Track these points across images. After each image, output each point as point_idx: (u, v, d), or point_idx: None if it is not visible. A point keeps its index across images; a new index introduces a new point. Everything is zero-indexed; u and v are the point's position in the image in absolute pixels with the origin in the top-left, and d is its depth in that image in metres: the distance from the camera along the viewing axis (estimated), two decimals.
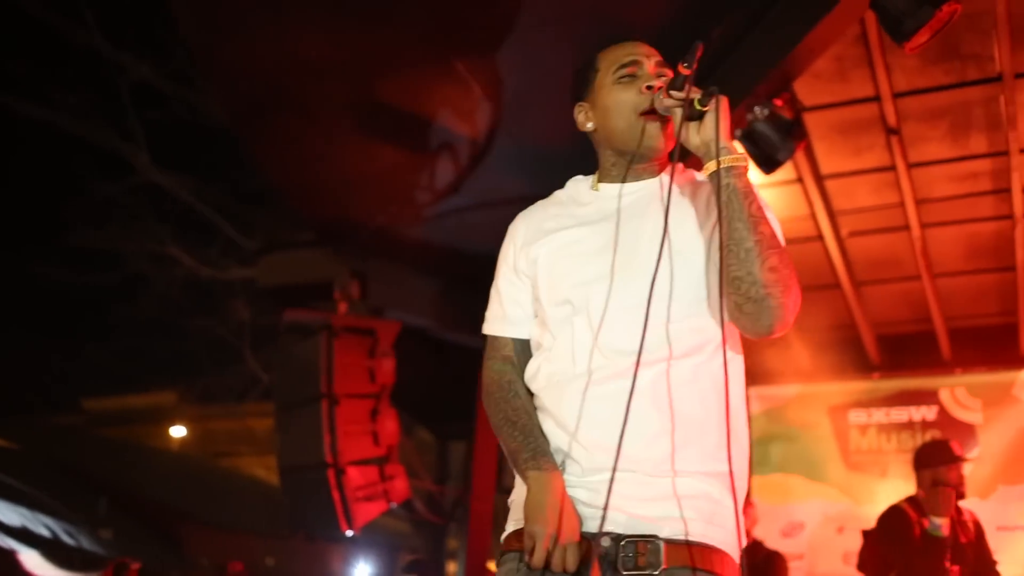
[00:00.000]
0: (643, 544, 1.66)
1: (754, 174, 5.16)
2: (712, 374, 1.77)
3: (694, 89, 1.78)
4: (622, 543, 1.67)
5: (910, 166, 6.04)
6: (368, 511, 6.84)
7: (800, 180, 6.21)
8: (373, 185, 6.33)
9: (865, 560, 4.92)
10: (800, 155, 5.90)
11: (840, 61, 5.31)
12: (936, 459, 4.87)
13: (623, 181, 1.92)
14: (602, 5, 4.86)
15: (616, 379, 1.74)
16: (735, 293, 1.70)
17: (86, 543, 14.90)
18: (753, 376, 8.28)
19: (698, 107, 1.77)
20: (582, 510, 1.72)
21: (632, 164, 1.92)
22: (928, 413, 8.12)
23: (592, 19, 4.95)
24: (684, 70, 1.76)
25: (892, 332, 8.17)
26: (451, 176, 5.88)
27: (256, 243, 8.45)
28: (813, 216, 6.55)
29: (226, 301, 10.84)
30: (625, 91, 1.90)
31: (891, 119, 5.56)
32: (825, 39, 4.38)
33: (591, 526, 1.69)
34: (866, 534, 4.95)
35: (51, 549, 14.03)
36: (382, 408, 6.92)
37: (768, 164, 4.69)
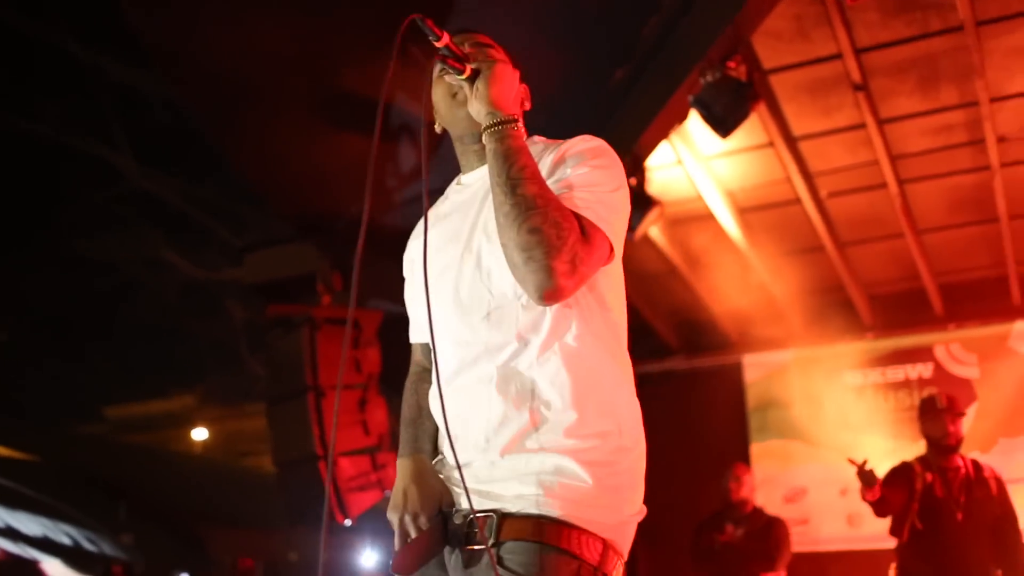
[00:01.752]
0: (482, 519, 1.67)
1: (716, 139, 5.14)
2: (561, 349, 1.72)
3: (458, 63, 1.77)
4: (468, 519, 1.70)
5: (881, 122, 5.98)
6: (362, 500, 6.86)
7: (772, 144, 6.16)
8: (346, 176, 6.32)
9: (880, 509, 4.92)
10: (769, 118, 5.87)
11: (799, 20, 5.26)
12: (922, 413, 4.92)
13: (472, 169, 1.94)
14: None
15: (463, 372, 1.79)
16: (507, 261, 1.67)
17: (108, 549, 15.07)
18: (747, 344, 8.30)
19: (467, 77, 1.78)
20: (456, 492, 1.77)
21: (470, 149, 1.93)
22: (924, 370, 8.07)
23: None
24: (439, 45, 1.74)
25: (883, 292, 8.12)
26: (416, 160, 5.88)
27: (245, 242, 8.47)
28: (789, 179, 6.50)
29: (224, 302, 10.87)
30: (441, 81, 1.89)
31: (855, 75, 5.50)
32: None
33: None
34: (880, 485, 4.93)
35: (72, 557, 14.21)
36: (370, 397, 6.94)
37: (722, 127, 4.66)
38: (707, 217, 6.88)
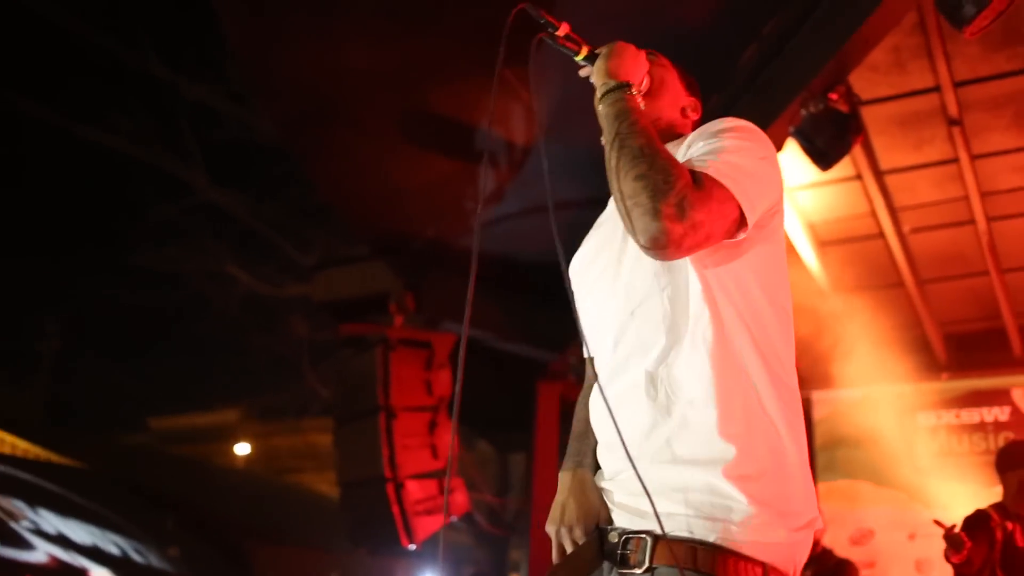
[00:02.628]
0: (636, 541, 1.61)
1: (809, 171, 5.05)
2: (707, 346, 1.64)
3: (579, 48, 1.85)
4: (623, 539, 1.63)
5: (973, 158, 5.86)
6: (428, 525, 6.80)
7: (859, 177, 6.07)
8: (424, 196, 6.31)
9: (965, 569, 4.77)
10: (859, 151, 5.76)
11: (897, 52, 5.18)
12: (1020, 459, 4.73)
13: None
14: (652, 3, 4.80)
15: (617, 377, 1.73)
16: (620, 216, 1.62)
17: (155, 561, 15.12)
18: (817, 379, 8.15)
19: (583, 61, 1.86)
20: (612, 508, 1.72)
21: None
22: (1000, 414, 7.88)
23: (641, 17, 4.88)
24: (549, 38, 1.82)
25: (960, 331, 7.95)
26: (501, 184, 5.85)
27: (313, 259, 8.51)
28: (874, 213, 6.39)
29: (284, 318, 10.92)
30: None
31: (952, 109, 5.39)
32: (880, 29, 4.25)
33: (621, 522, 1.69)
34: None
35: (121, 567, 14.27)
36: (440, 420, 6.89)
37: (823, 160, 4.57)
38: (787, 249, 6.78)
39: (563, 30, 1.83)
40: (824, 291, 7.19)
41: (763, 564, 1.56)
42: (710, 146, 1.69)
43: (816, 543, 6.18)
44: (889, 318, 7.62)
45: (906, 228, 6.60)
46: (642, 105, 1.80)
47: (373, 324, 6.84)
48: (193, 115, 8.56)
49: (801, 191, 6.30)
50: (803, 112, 4.52)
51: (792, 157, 5.07)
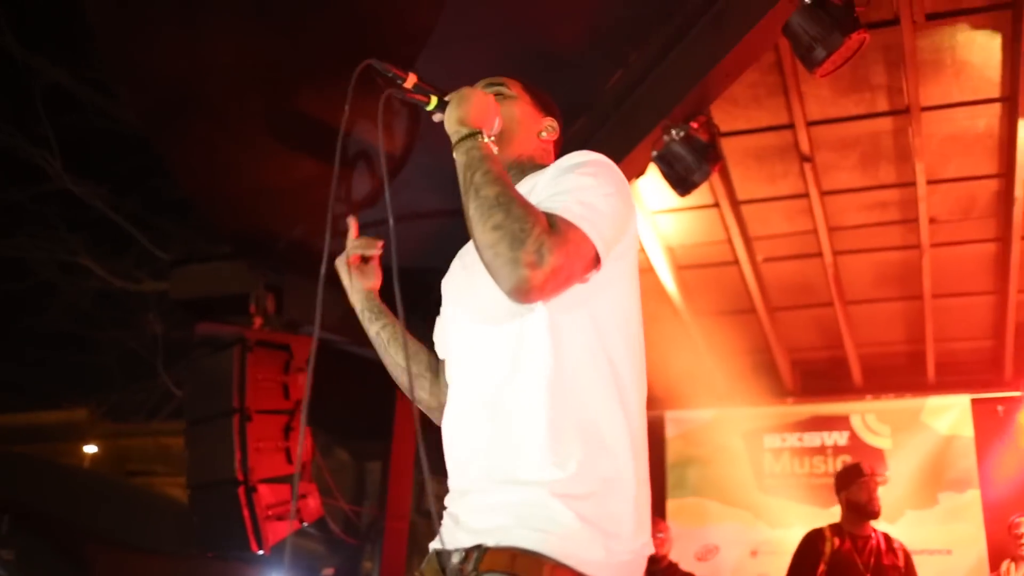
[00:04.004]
0: (470, 553, 1.65)
1: (670, 196, 5.22)
2: (547, 374, 1.69)
3: (428, 98, 1.90)
4: (462, 556, 1.67)
5: (823, 194, 6.17)
6: (279, 530, 6.68)
7: (717, 205, 6.30)
8: (289, 197, 6.23)
9: None
10: (717, 180, 5.99)
11: (755, 88, 5.42)
12: (847, 479, 5.03)
13: None
14: (522, 26, 4.87)
15: (460, 397, 1.83)
16: (482, 265, 1.65)
17: None
18: (669, 400, 8.38)
19: (434, 110, 1.91)
20: (450, 527, 1.77)
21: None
22: (840, 438, 8.26)
23: (513, 38, 4.96)
24: (407, 86, 1.88)
25: (806, 357, 8.32)
26: (368, 190, 5.82)
27: (171, 255, 8.26)
28: (730, 241, 6.64)
29: (139, 314, 10.56)
30: None
31: (804, 147, 5.67)
32: (740, 63, 4.44)
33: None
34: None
35: None
36: (296, 425, 6.79)
37: (683, 186, 4.73)
38: (645, 270, 6.97)
39: (410, 81, 1.87)
40: (680, 313, 7.42)
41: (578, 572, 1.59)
42: (563, 185, 1.73)
43: (663, 558, 6.36)
44: (741, 343, 7.92)
45: (759, 257, 6.88)
46: (495, 149, 1.82)
47: (231, 324, 6.70)
48: (50, 99, 8.19)
49: (661, 215, 6.50)
50: (665, 138, 4.67)
51: (654, 181, 5.24)
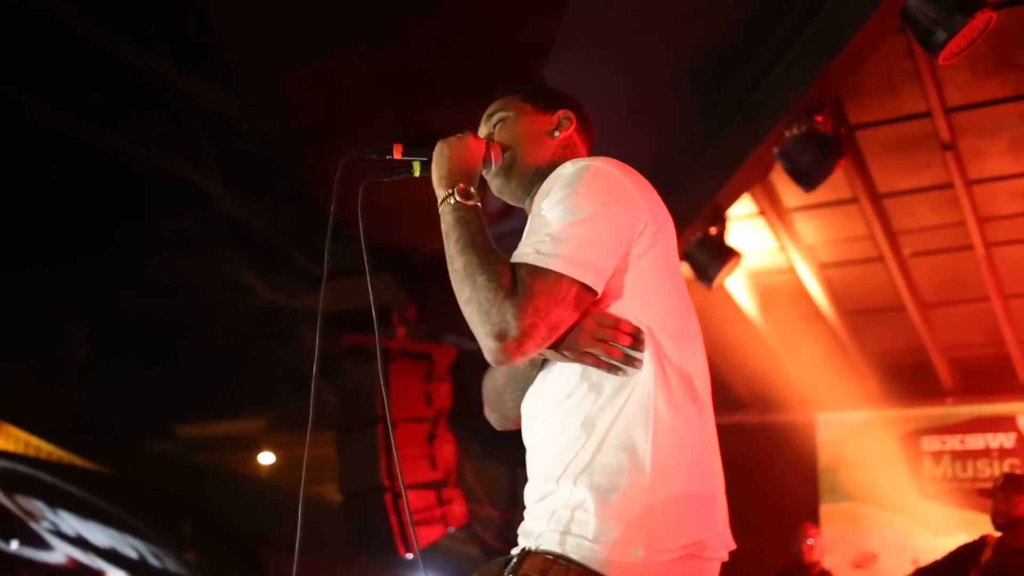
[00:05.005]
0: (518, 555, 1.69)
1: (796, 193, 5.10)
2: (559, 382, 1.75)
3: (410, 166, 1.98)
4: (513, 558, 1.72)
5: (970, 183, 5.88)
6: (425, 535, 6.87)
7: (856, 200, 6.09)
8: (426, 210, 6.41)
9: None
10: (855, 173, 5.80)
11: (888, 77, 5.22)
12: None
13: None
14: (640, 27, 4.88)
15: (537, 407, 1.84)
16: None
17: (171, 565, 15.30)
18: (822, 401, 8.14)
19: (418, 172, 1.97)
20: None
21: None
22: (1006, 440, 7.82)
23: (632, 40, 4.97)
24: (397, 157, 1.97)
25: (965, 356, 7.91)
26: (501, 201, 5.94)
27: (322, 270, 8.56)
28: (872, 236, 6.41)
29: (300, 328, 11.06)
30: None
31: (944, 135, 5.42)
32: (860, 53, 4.31)
33: None
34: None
35: (138, 570, 14.46)
36: (439, 432, 6.97)
37: (807, 181, 4.62)
38: (786, 271, 6.81)
39: (397, 152, 1.95)
40: (824, 313, 7.20)
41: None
42: (537, 222, 1.71)
43: (814, 564, 6.20)
44: (892, 341, 7.62)
45: (906, 251, 6.61)
46: (495, 184, 1.96)
47: (373, 335, 6.94)
48: (210, 124, 8.71)
49: (799, 212, 6.34)
50: (787, 134, 4.57)
51: (786, 179, 5.13)
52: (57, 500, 14.78)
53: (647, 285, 1.74)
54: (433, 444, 6.94)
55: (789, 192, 5.98)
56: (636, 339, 1.68)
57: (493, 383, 2.00)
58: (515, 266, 1.63)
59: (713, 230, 5.51)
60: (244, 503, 18.80)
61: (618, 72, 5.26)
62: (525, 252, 1.65)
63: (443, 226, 1.75)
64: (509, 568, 1.68)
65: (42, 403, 16.91)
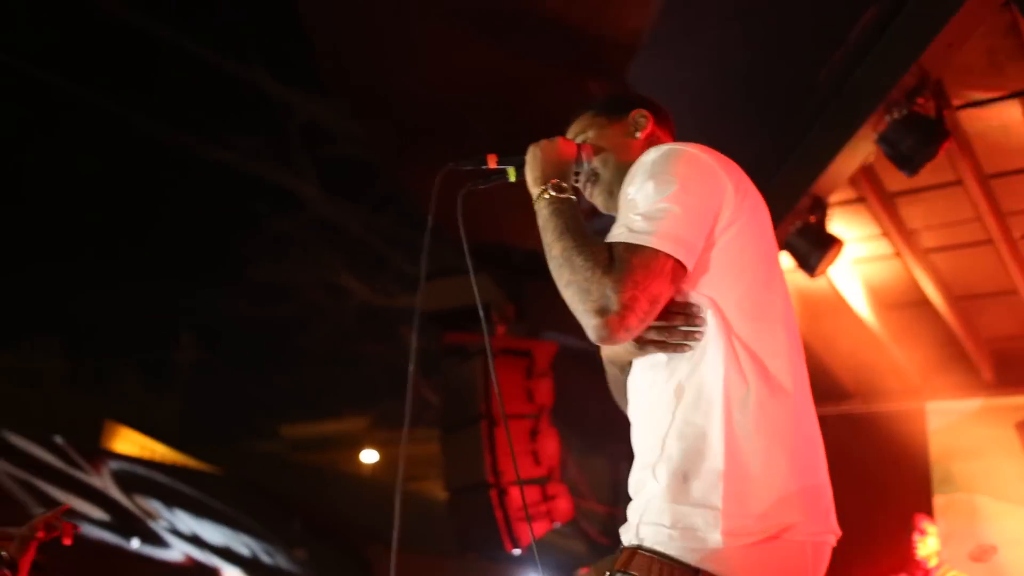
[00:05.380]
0: (618, 551, 1.75)
1: (898, 177, 4.99)
2: (657, 382, 1.78)
3: (504, 172, 2.08)
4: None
5: None
6: (532, 531, 6.92)
7: (960, 182, 5.91)
8: (522, 209, 6.45)
9: None
10: (959, 155, 5.63)
11: (993, 54, 5.05)
12: None
13: None
14: (732, 14, 4.84)
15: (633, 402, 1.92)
16: None
17: (283, 562, 15.70)
18: (932, 390, 7.93)
19: (514, 177, 2.06)
20: None
21: None
22: None
23: (723, 29, 4.94)
24: (492, 167, 2.08)
25: None
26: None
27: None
28: (979, 219, 6.21)
29: (399, 328, 11.25)
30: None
31: None
32: (962, 32, 4.19)
33: None
34: None
35: (251, 567, 14.88)
36: (542, 428, 7.02)
37: (908, 165, 4.51)
38: (890, 256, 6.66)
39: (492, 162, 2.05)
40: (932, 299, 7.01)
41: (696, 570, 1.60)
42: (625, 206, 1.76)
43: (931, 557, 6.07)
44: (1005, 326, 7.38)
45: (1016, 233, 6.38)
46: (599, 200, 2.03)
47: (475, 333, 7.03)
48: (306, 132, 8.92)
49: (902, 196, 6.19)
50: (887, 118, 4.47)
51: (886, 164, 5.03)
52: (173, 500, 15.31)
53: (726, 261, 1.76)
54: (536, 440, 7.00)
55: (891, 176, 5.84)
56: (689, 315, 1.73)
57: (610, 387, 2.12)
58: (611, 246, 1.68)
59: (813, 219, 5.43)
60: (349, 501, 19.19)
61: (710, 62, 5.22)
62: (619, 232, 1.70)
63: (539, 220, 1.83)
64: (612, 563, 1.73)
65: (154, 407, 17.54)
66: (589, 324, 1.64)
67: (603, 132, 2.08)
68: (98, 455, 15.15)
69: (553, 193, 1.83)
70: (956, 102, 5.26)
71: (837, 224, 5.89)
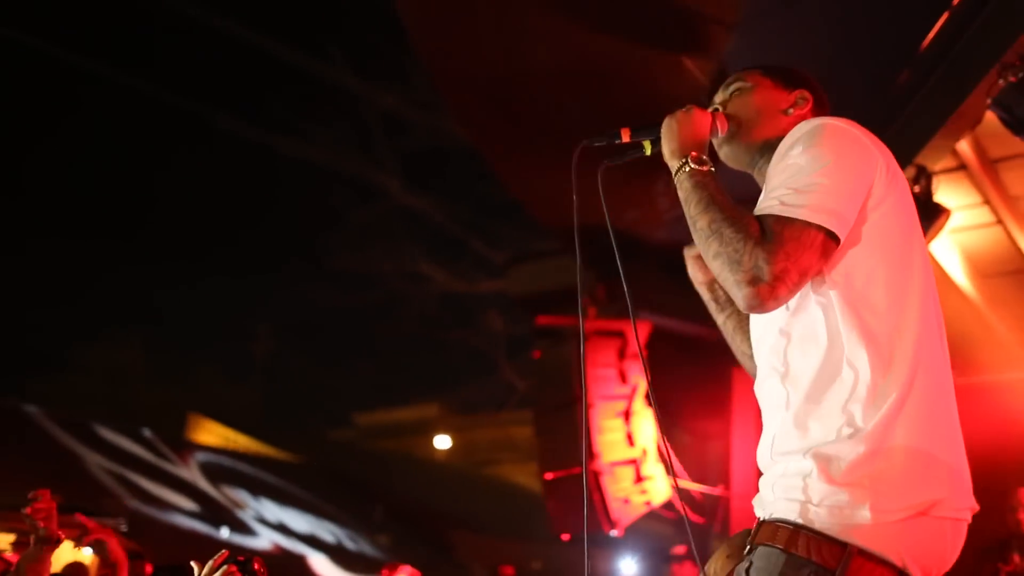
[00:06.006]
0: (757, 525, 1.75)
1: (1001, 142, 4.87)
2: (807, 348, 1.75)
3: (641, 146, 2.03)
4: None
5: None
6: (628, 513, 6.93)
7: None
8: (614, 189, 6.43)
9: None
10: None
11: None
12: None
13: None
14: None
15: (762, 379, 1.90)
16: None
17: (367, 548, 15.93)
18: None
19: (650, 150, 2.02)
20: None
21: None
22: None
23: (817, 4, 4.85)
24: (625, 141, 2.02)
25: None
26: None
27: (504, 255, 8.79)
28: None
29: (479, 313, 11.32)
30: None
31: None
32: None
33: None
34: None
35: (336, 554, 15.11)
36: (635, 409, 7.01)
37: (1022, 130, 4.39)
38: (991, 224, 6.50)
39: (625, 136, 2.01)
40: None
41: (845, 544, 1.60)
42: (777, 177, 1.76)
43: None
44: None
45: None
46: (724, 151, 2.01)
47: (567, 316, 7.03)
48: (384, 123, 8.99)
49: (1004, 162, 6.03)
50: (1000, 82, 4.35)
51: (991, 130, 4.90)
52: (258, 489, 15.61)
53: (871, 237, 1.76)
54: (630, 421, 6.99)
55: (994, 142, 5.70)
56: None
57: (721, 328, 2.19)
58: (761, 217, 1.69)
59: (918, 188, 5.31)
60: (427, 486, 19.40)
61: (809, 32, 5.14)
62: (770, 204, 1.71)
63: (681, 194, 1.83)
64: (750, 537, 1.74)
65: (235, 398, 17.87)
66: (740, 294, 1.66)
67: (762, 92, 2.06)
68: (185, 447, 15.50)
69: (694, 166, 1.84)
70: None
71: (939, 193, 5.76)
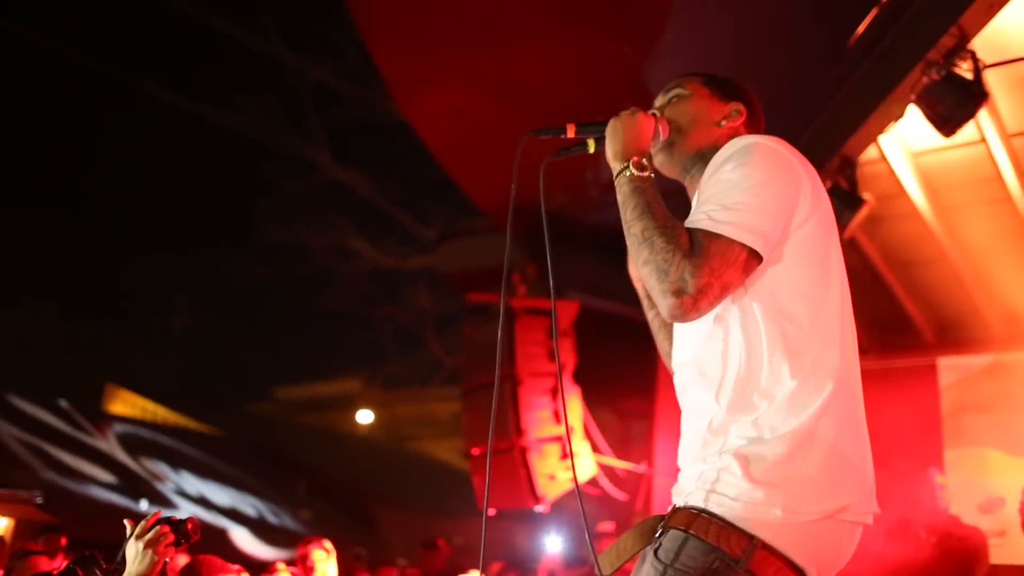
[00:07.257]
0: (670, 510, 1.86)
1: (933, 136, 5.03)
2: (725, 350, 1.85)
3: (585, 143, 2.08)
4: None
5: None
6: (554, 488, 7.03)
7: (983, 141, 5.96)
8: (547, 169, 6.47)
9: None
10: (983, 114, 5.67)
11: None
12: None
13: None
14: None
15: (679, 370, 2.02)
16: None
17: (289, 522, 15.85)
18: (944, 345, 8.03)
19: (593, 148, 2.07)
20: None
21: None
22: None
23: None
24: (570, 136, 2.07)
25: None
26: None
27: (433, 232, 8.83)
28: (1000, 177, 6.27)
29: (408, 289, 11.30)
30: None
31: None
32: None
33: None
34: None
35: (258, 528, 15.01)
36: (563, 387, 7.09)
37: (947, 126, 4.55)
38: (910, 214, 6.71)
39: (571, 131, 2.05)
40: (951, 255, 7.09)
41: (752, 537, 1.71)
42: (709, 191, 1.84)
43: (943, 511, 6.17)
44: (1019, 281, 7.46)
45: None
46: (663, 156, 2.06)
47: (497, 294, 7.08)
48: (315, 96, 8.92)
49: (924, 156, 6.23)
50: (924, 79, 4.51)
51: (912, 124, 5.06)
52: (179, 462, 15.40)
53: (793, 255, 1.85)
54: (557, 399, 7.08)
55: (915, 135, 5.89)
56: None
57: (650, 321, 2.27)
58: (691, 230, 1.77)
59: (842, 180, 5.47)
60: (350, 461, 19.36)
61: (742, 21, 5.24)
62: (699, 218, 1.79)
63: (619, 196, 1.88)
64: (663, 522, 1.83)
65: (154, 369, 17.57)
66: (664, 303, 1.74)
67: (698, 101, 2.12)
68: (102, 418, 15.19)
69: (635, 171, 1.88)
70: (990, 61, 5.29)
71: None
